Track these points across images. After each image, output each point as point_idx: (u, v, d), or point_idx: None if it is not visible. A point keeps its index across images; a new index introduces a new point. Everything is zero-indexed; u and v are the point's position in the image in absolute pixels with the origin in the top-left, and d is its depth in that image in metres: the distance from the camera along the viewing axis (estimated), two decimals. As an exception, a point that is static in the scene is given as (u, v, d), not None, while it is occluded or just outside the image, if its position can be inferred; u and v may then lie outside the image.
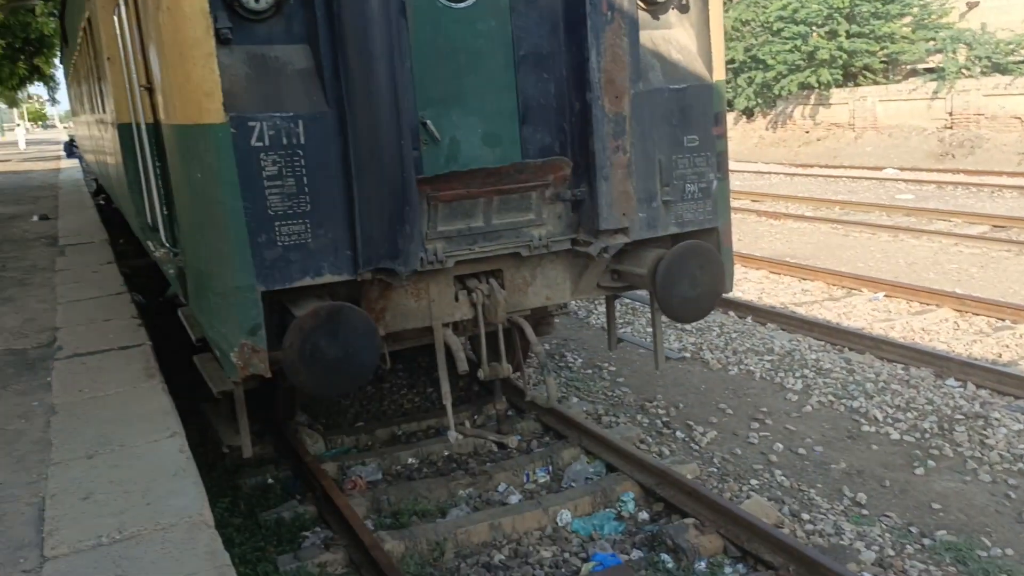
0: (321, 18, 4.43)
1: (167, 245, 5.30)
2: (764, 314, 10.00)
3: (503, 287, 5.41)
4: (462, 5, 4.98)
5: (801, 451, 6.60)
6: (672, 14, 5.65)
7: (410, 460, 6.76)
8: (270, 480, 6.49)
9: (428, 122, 4.95)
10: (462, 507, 5.99)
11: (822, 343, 8.93)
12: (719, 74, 5.64)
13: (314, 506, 5.94)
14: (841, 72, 30.63)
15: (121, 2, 4.96)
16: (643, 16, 5.43)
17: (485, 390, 7.69)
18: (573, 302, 10.73)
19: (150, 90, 5.01)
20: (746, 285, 11.76)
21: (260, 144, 4.37)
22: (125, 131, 5.73)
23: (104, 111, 7.70)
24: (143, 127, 5.12)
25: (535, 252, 5.31)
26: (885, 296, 10.49)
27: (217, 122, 4.23)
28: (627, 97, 5.16)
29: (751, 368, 8.33)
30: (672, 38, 5.65)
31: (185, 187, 4.55)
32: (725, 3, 35.00)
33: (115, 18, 5.30)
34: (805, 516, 5.64)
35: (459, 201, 4.97)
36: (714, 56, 5.59)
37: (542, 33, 5.21)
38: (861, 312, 10.10)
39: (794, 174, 25.09)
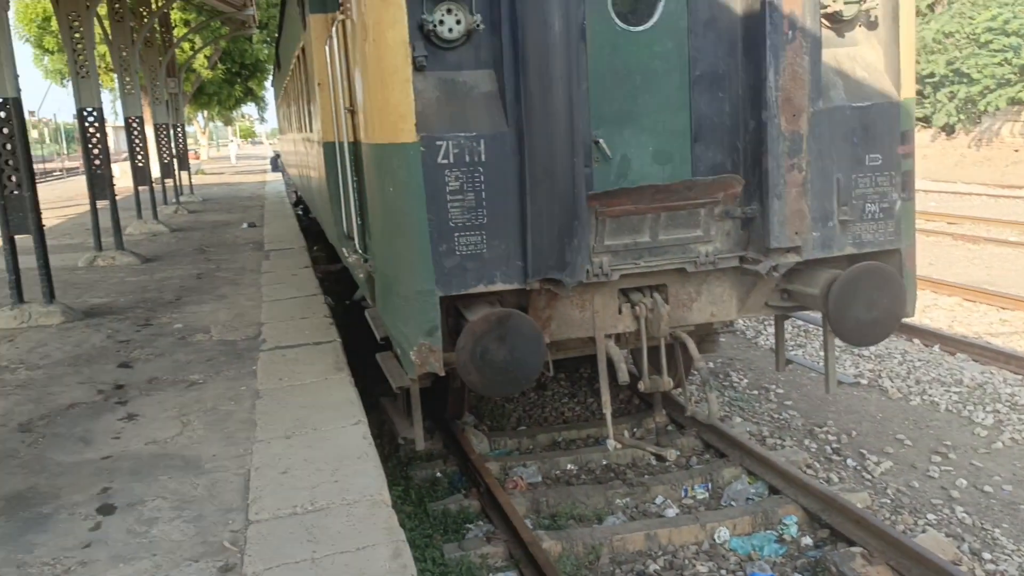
0: (506, 45, 4.76)
1: (360, 252, 5.82)
2: (954, 343, 9.39)
3: (667, 302, 5.51)
4: (641, 28, 5.16)
5: (987, 488, 6.19)
6: (859, 31, 5.54)
7: (569, 466, 6.96)
8: (438, 474, 6.90)
9: (601, 140, 5.16)
10: (618, 515, 6.10)
11: (1020, 377, 8.27)
12: (908, 91, 5.46)
13: (478, 501, 6.27)
14: (1059, 86, 27.98)
15: (334, 33, 5.53)
16: (827, 34, 5.37)
17: (645, 404, 7.77)
18: (741, 321, 10.56)
19: (353, 112, 5.55)
20: (935, 312, 11.06)
21: (445, 161, 4.75)
22: (329, 149, 6.35)
23: (311, 130, 8.50)
24: (345, 145, 5.67)
25: (701, 268, 5.37)
26: (1098, 331, 9.57)
27: (410, 141, 4.65)
28: (805, 116, 5.13)
29: (936, 399, 7.87)
30: (857, 55, 5.54)
31: (378, 200, 5.01)
32: (926, 14, 32.95)
33: (327, 48, 5.91)
34: (987, 555, 5.31)
35: (627, 216, 5.13)
36: (903, 73, 5.42)
37: (719, 53, 5.28)
38: (1067, 347, 9.27)
39: (999, 196, 23.15)
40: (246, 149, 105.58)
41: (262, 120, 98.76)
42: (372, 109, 4.84)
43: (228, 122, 75.06)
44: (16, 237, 8.19)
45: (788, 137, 5.10)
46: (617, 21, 5.14)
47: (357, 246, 5.88)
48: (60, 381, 6.40)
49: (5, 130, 7.89)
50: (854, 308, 5.27)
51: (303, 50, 8.03)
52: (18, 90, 7.96)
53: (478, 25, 4.81)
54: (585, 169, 4.95)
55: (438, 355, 4.96)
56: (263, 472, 4.49)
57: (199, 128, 60.58)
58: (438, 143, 4.74)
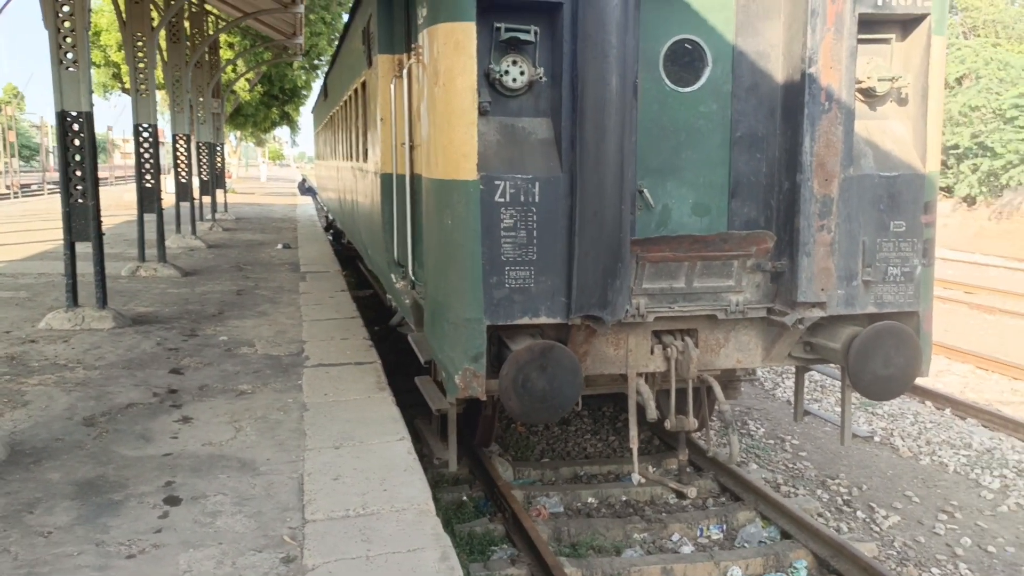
0: (566, 97, 5.17)
1: (411, 278, 6.20)
2: (965, 408, 9.64)
3: (697, 346, 5.84)
4: (688, 89, 5.58)
5: (991, 549, 6.43)
6: (890, 106, 5.91)
7: (590, 499, 7.24)
8: (464, 498, 7.19)
9: (645, 190, 5.55)
10: (636, 549, 6.37)
11: (1027, 446, 8.51)
12: (933, 165, 5.81)
13: (503, 525, 6.55)
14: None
15: (404, 75, 5.97)
16: (861, 107, 5.74)
17: (665, 445, 8.05)
18: (760, 371, 10.85)
19: (412, 148, 5.96)
20: (949, 377, 11.30)
21: (502, 200, 5.15)
22: (386, 180, 6.77)
23: (364, 160, 8.96)
24: (405, 178, 6.09)
25: (731, 316, 5.71)
26: (1108, 406, 9.78)
27: (471, 179, 5.06)
28: (836, 181, 5.48)
29: (944, 460, 8.12)
30: (888, 128, 5.91)
31: (436, 231, 5.40)
32: (953, 87, 33.49)
33: (392, 86, 6.36)
34: (987, 612, 5.54)
35: (665, 263, 5.49)
36: (929, 147, 5.78)
37: (759, 117, 5.68)
38: (1077, 420, 9.47)
39: (1017, 269, 23.36)
40: (274, 170, 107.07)
41: (293, 144, 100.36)
42: (437, 147, 5.25)
43: (260, 143, 76.43)
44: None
45: (819, 199, 5.45)
46: (667, 82, 5.55)
47: (408, 273, 6.26)
48: (116, 382, 6.78)
49: (76, 142, 8.39)
50: (872, 363, 5.58)
51: (363, 85, 8.50)
52: (91, 105, 8.47)
53: (540, 77, 5.23)
54: (630, 216, 5.33)
55: (481, 380, 5.30)
56: (315, 477, 4.82)
57: (231, 147, 61.73)
58: (496, 182, 5.13)
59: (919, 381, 9.10)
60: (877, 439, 8.69)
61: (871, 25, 5.59)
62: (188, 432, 5.63)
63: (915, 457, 8.25)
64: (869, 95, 5.78)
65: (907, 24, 5.67)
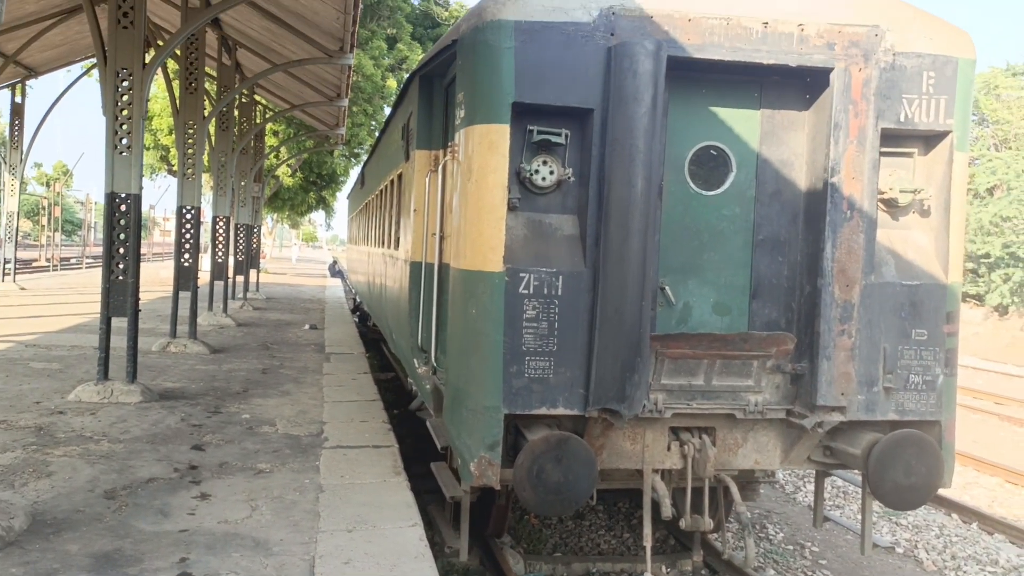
0: (592, 196, 5.37)
1: (434, 364, 6.31)
2: (993, 523, 9.38)
3: (714, 444, 5.83)
4: (712, 193, 5.76)
5: (1019, 673, 6.18)
6: (912, 216, 6.00)
7: (604, 598, 7.10)
8: (475, 589, 7.09)
9: (667, 288, 5.67)
10: (649, 652, 6.20)
11: (1058, 565, 8.24)
12: (955, 276, 5.86)
13: (513, 620, 6.44)
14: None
15: (439, 169, 6.25)
16: (883, 216, 5.85)
17: (681, 545, 7.91)
18: (781, 475, 10.67)
19: (443, 238, 6.17)
20: (976, 490, 11.04)
21: (526, 292, 5.29)
22: (415, 268, 6.98)
23: (395, 247, 9.23)
24: (433, 267, 6.28)
25: (749, 416, 5.71)
26: None
27: (497, 271, 5.22)
28: (858, 287, 5.56)
29: (971, 577, 7.88)
30: (909, 238, 5.99)
31: (460, 319, 5.54)
32: (984, 197, 33.68)
33: (427, 180, 6.64)
34: None
35: (684, 360, 5.55)
36: (951, 259, 5.83)
37: (782, 222, 5.82)
38: (1112, 541, 9.17)
39: (1050, 382, 22.92)
40: (306, 252, 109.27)
41: (328, 227, 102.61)
42: (466, 239, 5.44)
43: (295, 225, 78.29)
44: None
45: (840, 304, 5.53)
46: (692, 185, 5.75)
47: (430, 359, 6.38)
48: (139, 456, 6.88)
49: (123, 221, 8.75)
50: (893, 472, 5.52)
51: (399, 176, 8.84)
52: (140, 187, 8.86)
53: (569, 177, 5.45)
54: (651, 312, 5.43)
55: (496, 469, 5.33)
56: (327, 560, 4.83)
57: (266, 229, 63.24)
58: (521, 275, 5.29)
59: (945, 492, 8.92)
60: (900, 550, 8.47)
61: (894, 139, 5.75)
62: (205, 509, 5.68)
63: (940, 572, 8.02)
64: (891, 205, 5.90)
65: (929, 139, 5.83)
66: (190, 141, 12.73)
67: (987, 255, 31.99)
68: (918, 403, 5.80)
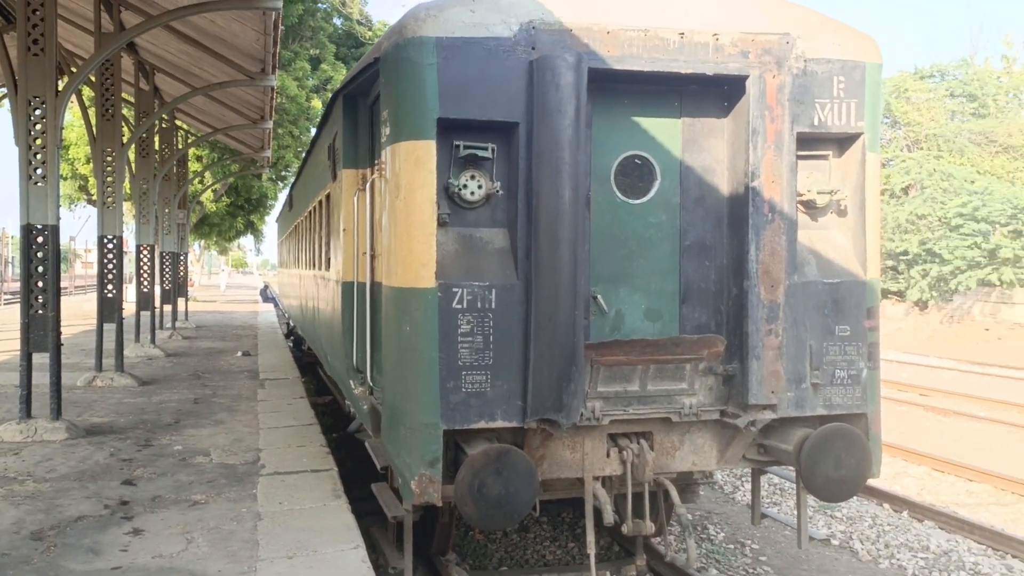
0: (521, 209, 5.41)
1: (370, 384, 6.25)
2: (922, 510, 9.73)
3: (652, 448, 5.91)
4: (638, 201, 5.87)
5: (952, 653, 6.41)
6: (830, 217, 6.21)
7: (552, 609, 7.10)
8: (423, 610, 7.02)
9: (599, 296, 5.75)
10: (599, 660, 6.23)
11: (983, 547, 8.59)
12: (873, 273, 6.07)
13: (462, 638, 6.39)
14: (1026, 271, 29.53)
15: (366, 188, 6.21)
16: (803, 217, 6.04)
17: (625, 551, 7.98)
18: (719, 475, 10.87)
19: (373, 257, 6.13)
20: (905, 480, 11.43)
21: (459, 306, 5.29)
22: (347, 288, 6.91)
23: (326, 269, 9.13)
24: (365, 286, 6.23)
25: (685, 419, 5.81)
26: (1061, 506, 9.94)
27: (429, 287, 5.21)
28: (782, 287, 5.72)
29: (903, 563, 8.14)
30: (829, 238, 6.20)
31: (395, 337, 5.51)
32: (900, 196, 35.06)
33: (355, 199, 6.60)
34: None
35: (619, 366, 5.62)
36: (869, 256, 6.04)
37: (707, 227, 5.96)
38: (1032, 520, 9.62)
39: (970, 372, 23.92)
40: (236, 278, 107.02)
41: (258, 252, 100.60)
42: (397, 256, 5.41)
43: (223, 251, 76.62)
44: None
45: (767, 305, 5.68)
46: (618, 194, 5.84)
47: (367, 379, 6.31)
48: (67, 494, 6.63)
49: (40, 254, 8.45)
50: (823, 465, 5.68)
51: (327, 196, 8.76)
52: (58, 218, 8.58)
53: (497, 190, 5.49)
54: (584, 321, 5.49)
55: (437, 486, 5.29)
56: (268, 588, 4.73)
57: (194, 256, 61.74)
58: (454, 290, 5.29)
59: (876, 483, 9.22)
60: (836, 542, 8.71)
61: (809, 143, 5.94)
62: (139, 544, 5.50)
63: (874, 560, 8.26)
64: (810, 207, 6.09)
65: (843, 142, 6.05)
66: (109, 169, 12.38)
67: (905, 252, 33.28)
68: (844, 397, 5.98)
